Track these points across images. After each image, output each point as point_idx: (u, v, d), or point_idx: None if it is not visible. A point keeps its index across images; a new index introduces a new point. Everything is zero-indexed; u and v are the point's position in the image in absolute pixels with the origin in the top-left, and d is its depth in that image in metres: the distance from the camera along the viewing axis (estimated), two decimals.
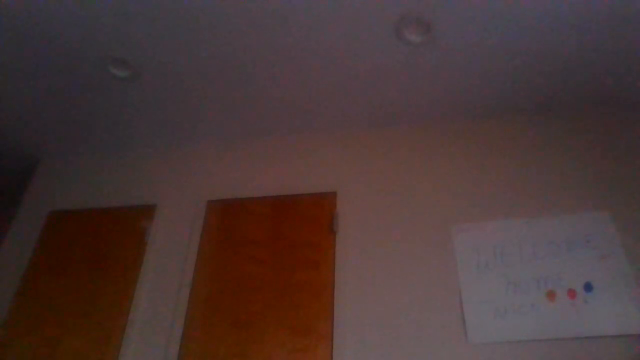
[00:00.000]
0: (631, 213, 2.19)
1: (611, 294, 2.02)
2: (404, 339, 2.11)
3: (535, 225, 2.26)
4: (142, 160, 3.03)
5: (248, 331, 2.26)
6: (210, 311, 2.36)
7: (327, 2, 2.01)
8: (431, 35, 2.13)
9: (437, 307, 2.16)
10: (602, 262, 2.10)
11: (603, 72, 2.32)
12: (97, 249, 2.69)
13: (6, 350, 2.44)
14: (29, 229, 2.86)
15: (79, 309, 2.49)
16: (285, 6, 2.04)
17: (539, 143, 2.51)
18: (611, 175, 2.32)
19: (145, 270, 2.54)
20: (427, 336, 2.10)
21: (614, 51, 2.19)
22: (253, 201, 2.67)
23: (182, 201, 2.77)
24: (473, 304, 2.12)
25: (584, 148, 2.44)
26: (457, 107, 2.61)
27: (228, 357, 2.22)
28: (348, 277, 2.31)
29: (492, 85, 2.43)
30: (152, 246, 2.63)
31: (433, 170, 2.56)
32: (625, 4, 1.95)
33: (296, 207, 2.58)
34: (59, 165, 3.16)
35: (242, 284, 2.40)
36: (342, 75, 2.41)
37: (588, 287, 2.06)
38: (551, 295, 2.08)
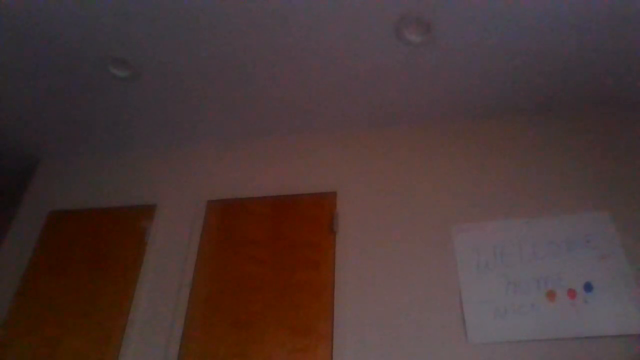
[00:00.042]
0: (631, 213, 2.19)
1: (611, 294, 2.02)
2: (404, 339, 2.11)
3: (535, 225, 2.26)
4: (142, 160, 3.03)
5: (248, 331, 2.26)
6: (210, 311, 2.36)
7: (327, 2, 2.01)
8: (431, 35, 2.13)
9: (437, 307, 2.16)
10: (602, 262, 2.10)
11: (603, 72, 2.32)
12: (97, 249, 2.69)
13: (6, 350, 2.44)
14: (29, 229, 2.86)
15: (79, 309, 2.49)
16: (285, 6, 2.04)
17: (539, 143, 2.51)
18: (611, 175, 2.32)
19: (145, 270, 2.54)
20: (427, 336, 2.10)
21: (614, 51, 2.19)
22: (253, 201, 2.67)
23: (182, 201, 2.77)
24: (473, 304, 2.13)
25: (584, 148, 2.44)
26: (457, 107, 2.61)
27: (228, 357, 2.22)
28: (348, 277, 2.31)
29: (492, 85, 2.43)
30: (152, 246, 2.63)
31: (433, 170, 2.56)
32: (625, 4, 1.95)
33: (296, 207, 2.58)
34: (59, 165, 3.16)
35: (242, 284, 2.40)
36: (342, 75, 2.41)
37: (588, 287, 2.06)
38: (551, 295, 2.08)
